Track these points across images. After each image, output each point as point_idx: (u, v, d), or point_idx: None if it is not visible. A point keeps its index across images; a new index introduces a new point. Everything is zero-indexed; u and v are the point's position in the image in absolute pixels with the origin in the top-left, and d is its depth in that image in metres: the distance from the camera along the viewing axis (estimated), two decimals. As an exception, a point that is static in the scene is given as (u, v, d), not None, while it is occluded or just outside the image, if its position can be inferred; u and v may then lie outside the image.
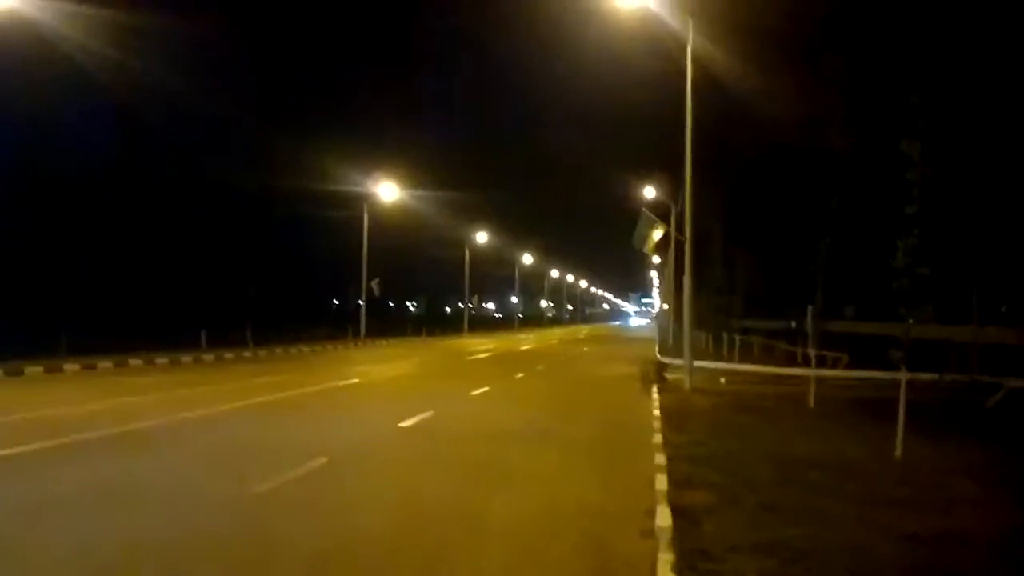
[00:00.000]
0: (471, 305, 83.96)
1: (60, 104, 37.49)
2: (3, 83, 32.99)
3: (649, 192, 39.00)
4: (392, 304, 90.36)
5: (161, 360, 26.39)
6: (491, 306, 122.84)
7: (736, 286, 44.59)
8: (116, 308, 41.80)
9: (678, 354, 23.76)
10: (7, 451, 10.32)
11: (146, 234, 46.67)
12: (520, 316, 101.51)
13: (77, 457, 10.38)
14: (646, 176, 39.95)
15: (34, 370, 21.60)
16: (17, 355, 22.47)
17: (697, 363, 20.87)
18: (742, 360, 26.59)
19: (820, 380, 16.81)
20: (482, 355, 37.70)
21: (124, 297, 44.83)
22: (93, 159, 43.42)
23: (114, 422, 12.94)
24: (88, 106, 38.56)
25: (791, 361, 24.24)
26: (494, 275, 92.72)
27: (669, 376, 21.36)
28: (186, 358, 27.93)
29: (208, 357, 29.18)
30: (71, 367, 22.93)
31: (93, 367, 23.54)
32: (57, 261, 41.03)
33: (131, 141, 44.05)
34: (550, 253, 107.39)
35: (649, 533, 6.88)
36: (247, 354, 31.96)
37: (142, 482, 9.04)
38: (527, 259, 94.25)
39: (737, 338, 31.72)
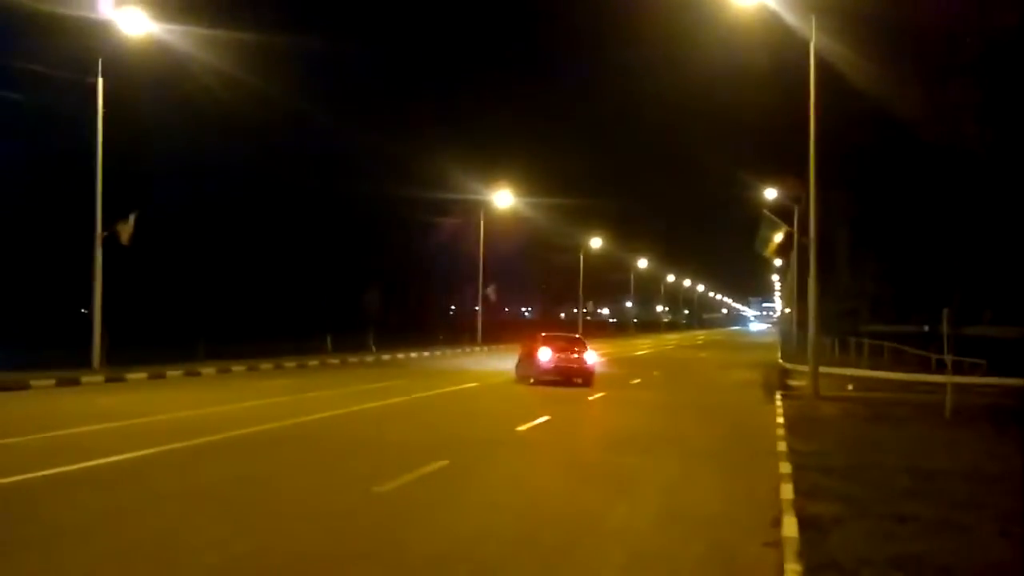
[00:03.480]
0: (586, 311, 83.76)
1: (198, 123, 39.69)
2: (146, 104, 35.21)
3: (771, 194, 37.97)
4: (508, 310, 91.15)
5: (289, 364, 27.56)
6: (606, 311, 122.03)
7: (864, 289, 42.78)
8: (249, 314, 43.89)
9: (801, 360, 22.98)
10: (154, 449, 11.00)
11: (276, 244, 48.82)
12: (635, 321, 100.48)
13: (217, 455, 10.98)
14: (768, 177, 38.95)
15: (174, 374, 22.94)
16: (161, 360, 23.91)
17: (823, 369, 20.14)
18: (871, 366, 25.49)
19: (956, 387, 15.93)
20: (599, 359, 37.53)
21: (257, 304, 47.03)
22: (230, 175, 45.84)
23: (249, 422, 13.60)
24: (224, 125, 40.71)
25: (924, 367, 23.07)
26: (609, 280, 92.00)
27: (793, 383, 20.72)
28: (312, 362, 29.05)
29: (333, 361, 30.25)
30: (208, 371, 24.23)
31: (228, 371, 24.78)
32: (199, 271, 43.49)
33: (263, 156, 46.24)
34: (667, 257, 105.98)
35: (775, 543, 6.70)
36: (369, 359, 32.95)
37: (272, 479, 9.48)
38: (643, 263, 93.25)
39: (865, 343, 30.42)
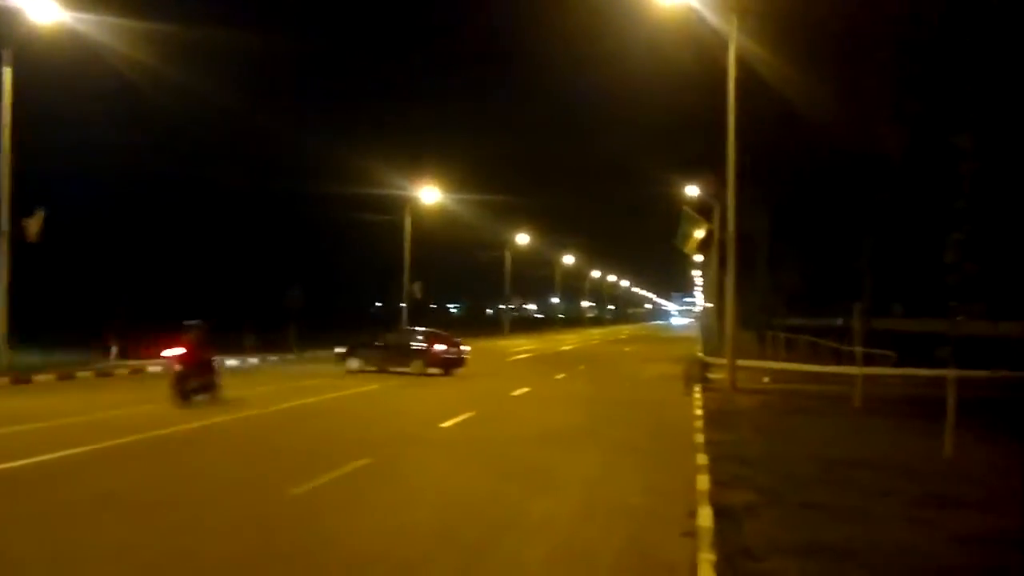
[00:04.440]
0: (512, 306, 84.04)
1: (117, 117, 38.39)
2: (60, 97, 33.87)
3: (692, 191, 38.68)
4: (434, 306, 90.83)
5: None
6: (532, 307, 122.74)
7: (780, 284, 43.98)
8: (168, 313, 42.61)
9: (721, 354, 23.51)
10: (62, 453, 10.55)
11: (198, 241, 47.57)
12: (561, 317, 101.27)
13: (128, 459, 10.61)
14: (689, 175, 39.64)
15: (85, 374, 22.08)
16: (72, 361, 23.00)
17: (740, 362, 20.63)
18: (787, 359, 26.21)
19: (867, 379, 16.52)
20: (523, 356, 37.71)
21: (177, 302, 45.71)
22: (152, 171, 44.42)
23: (163, 424, 13.20)
24: (145, 119, 39.54)
25: (837, 360, 23.85)
26: (535, 276, 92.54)
27: (712, 376, 21.16)
28: (232, 361, 28.32)
29: (253, 360, 29.56)
30: (121, 371, 23.42)
31: (142, 370, 24.01)
32: (115, 268, 42.02)
33: (187, 151, 45.10)
34: (592, 253, 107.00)
35: (691, 533, 6.82)
36: (291, 356, 32.33)
37: (185, 483, 9.22)
38: (568, 260, 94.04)
39: (782, 337, 31.29)
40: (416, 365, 24.61)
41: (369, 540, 7.01)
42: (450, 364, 25.20)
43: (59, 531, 7.06)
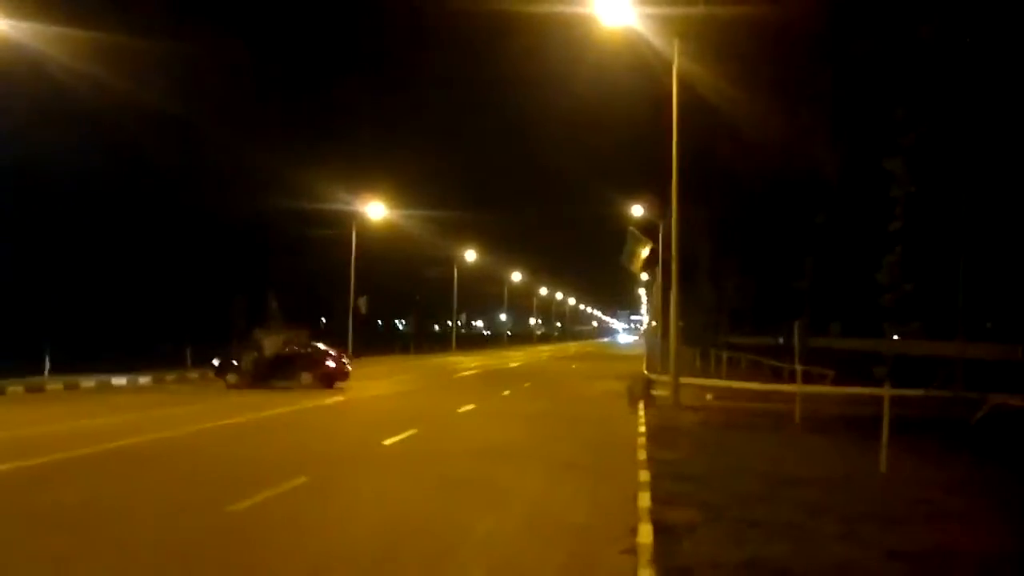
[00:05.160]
0: (460, 323, 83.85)
1: (45, 124, 37.13)
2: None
3: (637, 210, 39.06)
4: (381, 323, 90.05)
5: (144, 379, 26.11)
6: (480, 324, 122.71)
7: (723, 303, 44.65)
8: (103, 327, 41.53)
9: (666, 371, 23.70)
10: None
11: (136, 253, 46.39)
12: (509, 334, 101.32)
13: (66, 476, 10.24)
14: (634, 194, 40.05)
15: (15, 390, 21.32)
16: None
17: (684, 380, 20.80)
18: (729, 376, 26.56)
19: (806, 397, 16.77)
20: (470, 372, 37.56)
21: (113, 315, 44.53)
22: (80, 181, 43.17)
23: (100, 440, 12.78)
24: (74, 128, 38.36)
25: (778, 377, 24.22)
26: (483, 293, 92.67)
27: (656, 393, 21.29)
28: (170, 376, 27.67)
29: (193, 375, 28.87)
30: (54, 386, 22.68)
31: (76, 386, 23.28)
32: (42, 280, 40.71)
33: (118, 161, 43.90)
34: (539, 271, 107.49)
35: (631, 550, 6.79)
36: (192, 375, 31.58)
37: (119, 500, 8.91)
38: (516, 277, 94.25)
39: (724, 355, 31.71)
40: (304, 379, 24.32)
41: (312, 550, 6.85)
42: (335, 377, 25.10)
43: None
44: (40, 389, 22.12)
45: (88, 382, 24.00)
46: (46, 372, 24.99)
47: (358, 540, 7.44)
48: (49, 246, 41.65)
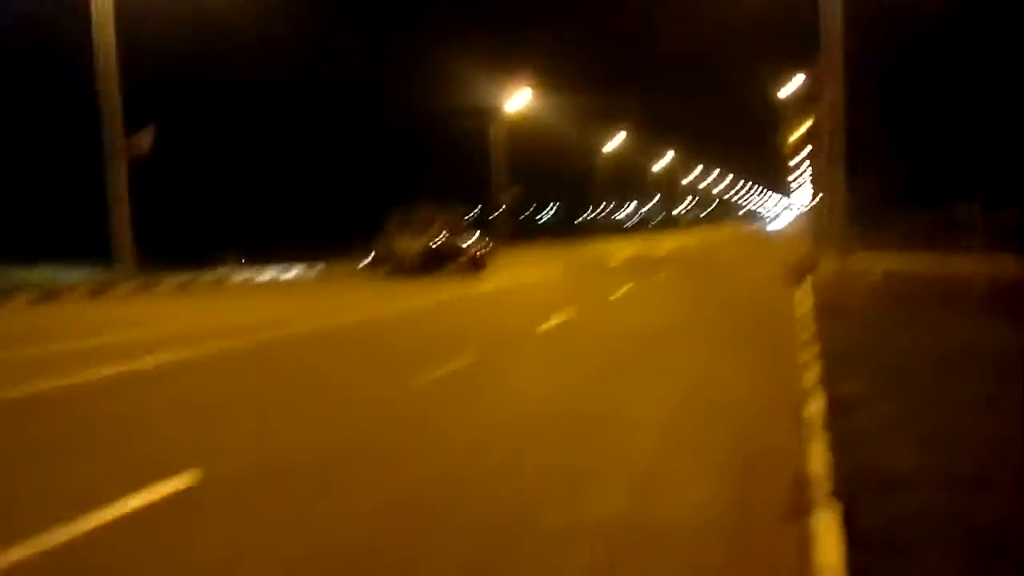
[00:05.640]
0: (606, 211, 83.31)
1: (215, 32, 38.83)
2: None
3: (797, 80, 36.90)
4: (527, 212, 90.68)
5: (320, 271, 27.75)
6: (628, 210, 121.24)
7: (892, 174, 41.88)
8: (278, 225, 44.04)
9: (827, 249, 22.82)
10: (187, 354, 11.22)
11: (303, 155, 48.54)
12: (656, 220, 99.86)
13: (252, 357, 11.21)
14: (792, 67, 37.78)
15: (204, 283, 23.18)
16: (188, 270, 24.15)
17: (850, 256, 19.99)
18: (900, 251, 25.20)
19: (986, 273, 15.77)
20: (619, 259, 37.51)
21: (286, 215, 47.10)
22: (257, 87, 45.17)
23: (283, 325, 13.84)
24: (241, 36, 40.00)
25: (954, 251, 22.79)
26: (628, 180, 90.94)
27: (819, 270, 20.60)
28: (344, 268, 29.14)
29: (351, 267, 30.22)
30: (236, 280, 24.52)
31: (256, 280, 25.06)
32: (225, 182, 43.50)
33: (288, 66, 45.54)
34: (689, 154, 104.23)
35: (801, 423, 6.77)
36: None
37: (311, 376, 9.71)
38: (664, 161, 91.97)
39: (895, 228, 30.00)
40: (454, 268, 24.93)
41: (478, 429, 7.29)
42: (482, 266, 25.86)
43: (195, 419, 7.57)
44: (225, 282, 23.97)
45: (263, 275, 25.77)
46: (228, 267, 26.96)
47: (523, 413, 7.78)
48: (223, 152, 44.22)
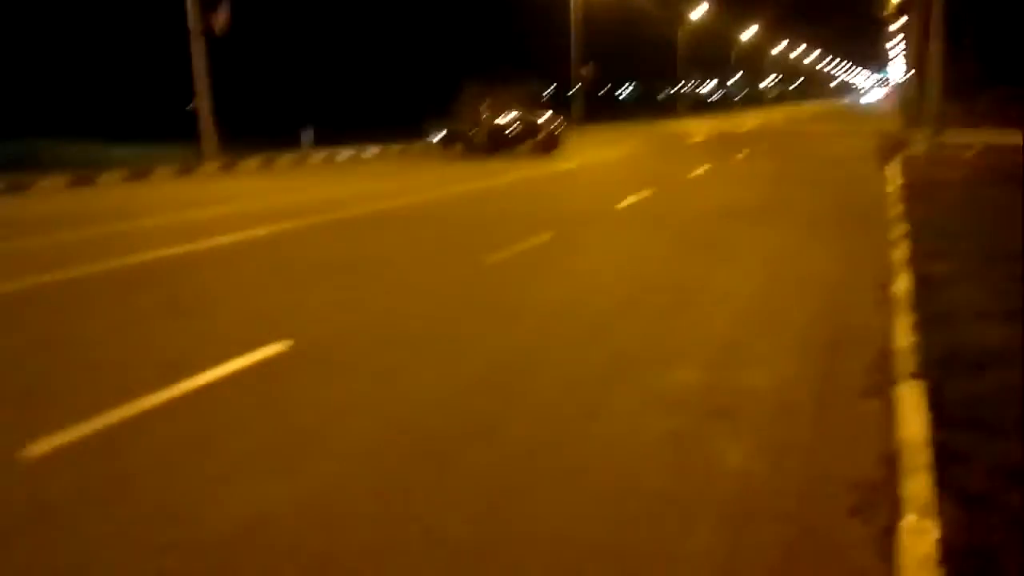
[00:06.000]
0: (688, 87, 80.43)
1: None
2: None
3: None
4: (605, 89, 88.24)
5: (394, 150, 27.87)
6: (709, 87, 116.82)
7: (990, 49, 39.21)
8: (353, 103, 44.05)
9: (919, 127, 21.78)
10: (270, 229, 11.59)
11: (375, 29, 47.92)
12: (741, 96, 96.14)
13: (332, 233, 11.53)
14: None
15: (284, 161, 23.60)
16: (269, 148, 24.56)
17: (942, 135, 19.07)
18: (994, 130, 23.90)
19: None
20: (699, 137, 36.53)
21: (360, 92, 46.99)
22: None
23: (361, 204, 14.11)
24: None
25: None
26: (711, 55, 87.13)
27: (909, 150, 19.76)
28: (417, 147, 29.23)
29: (426, 145, 30.21)
30: (315, 158, 24.83)
31: (334, 159, 25.35)
32: (301, 60, 43.51)
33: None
34: (774, 26, 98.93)
35: (887, 300, 6.70)
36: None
37: (390, 251, 9.96)
38: (748, 34, 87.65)
39: (990, 106, 28.39)
40: (526, 147, 24.55)
41: (561, 297, 7.43)
42: (553, 146, 25.30)
43: (285, 291, 7.90)
44: (305, 160, 24.34)
45: (343, 154, 26.02)
46: (310, 144, 27.21)
47: (600, 289, 7.87)
48: (298, 29, 44.00)
